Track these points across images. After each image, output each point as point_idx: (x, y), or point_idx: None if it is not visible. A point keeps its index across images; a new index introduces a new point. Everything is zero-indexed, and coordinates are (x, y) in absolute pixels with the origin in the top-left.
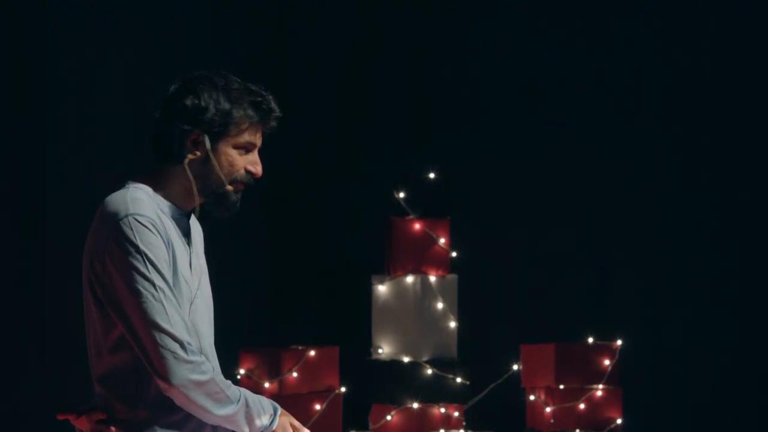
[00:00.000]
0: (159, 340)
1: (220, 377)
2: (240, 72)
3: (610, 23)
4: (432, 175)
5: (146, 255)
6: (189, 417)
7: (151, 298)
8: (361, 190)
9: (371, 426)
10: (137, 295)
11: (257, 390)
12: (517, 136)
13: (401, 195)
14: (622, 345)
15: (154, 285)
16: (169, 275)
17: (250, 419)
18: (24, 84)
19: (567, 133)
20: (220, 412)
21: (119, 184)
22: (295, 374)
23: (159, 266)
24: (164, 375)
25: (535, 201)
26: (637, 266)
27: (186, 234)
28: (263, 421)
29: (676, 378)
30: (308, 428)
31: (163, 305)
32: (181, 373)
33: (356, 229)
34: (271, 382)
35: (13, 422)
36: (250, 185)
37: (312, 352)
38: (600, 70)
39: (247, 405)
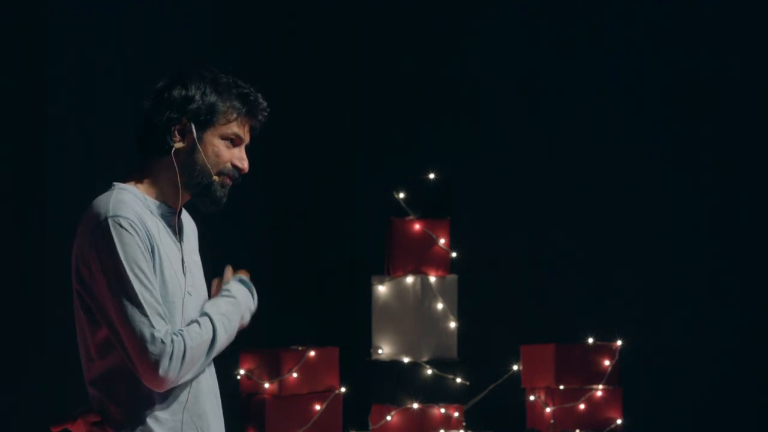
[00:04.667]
0: (138, 346)
1: (189, 334)
2: (240, 72)
3: (609, 23)
4: (432, 176)
5: (124, 257)
6: (183, 415)
7: (128, 301)
8: (361, 191)
9: (371, 426)
10: (117, 298)
11: (257, 391)
12: (517, 137)
13: (401, 195)
14: (622, 345)
15: (131, 287)
16: (149, 274)
17: (235, 324)
18: (24, 84)
19: (567, 133)
20: (218, 348)
21: (107, 186)
22: (295, 375)
23: (137, 267)
24: (151, 380)
25: (535, 201)
26: (636, 266)
27: (177, 231)
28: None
29: (676, 378)
30: (309, 429)
31: (141, 307)
32: (166, 372)
33: (356, 229)
34: (271, 383)
35: (13, 422)
36: (237, 181)
37: (312, 353)
38: (600, 69)
39: (225, 317)
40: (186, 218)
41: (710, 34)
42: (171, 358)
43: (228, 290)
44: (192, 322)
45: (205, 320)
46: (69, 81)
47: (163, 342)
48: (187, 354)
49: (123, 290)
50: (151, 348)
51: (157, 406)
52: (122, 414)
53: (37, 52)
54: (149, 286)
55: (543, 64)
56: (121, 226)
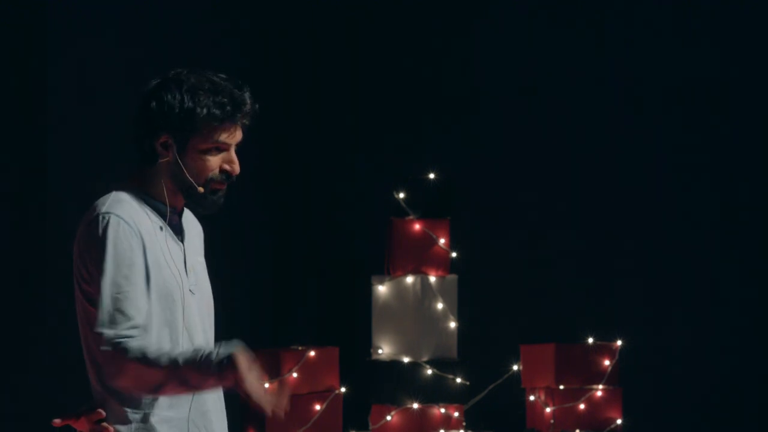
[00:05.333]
0: (99, 338)
1: (150, 348)
2: (240, 72)
3: (609, 23)
4: (432, 176)
5: (109, 254)
6: (187, 413)
7: (108, 295)
8: (361, 190)
9: (371, 426)
10: (101, 291)
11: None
12: (517, 137)
13: (401, 195)
14: (622, 345)
15: (107, 284)
16: (129, 274)
17: (188, 379)
18: (24, 84)
19: (566, 133)
20: (157, 386)
21: (107, 186)
22: (295, 375)
23: (121, 265)
24: (106, 375)
25: (535, 201)
26: (636, 266)
27: (178, 232)
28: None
29: (676, 378)
30: (309, 429)
31: (107, 304)
32: (111, 370)
33: (356, 229)
34: (271, 383)
35: (13, 422)
36: (231, 183)
37: (312, 353)
38: (599, 70)
39: (179, 367)
40: (191, 220)
41: (710, 34)
42: (111, 359)
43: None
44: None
45: (168, 357)
46: (69, 81)
47: (108, 342)
48: (141, 358)
49: (102, 285)
50: (101, 348)
51: (160, 405)
52: (125, 412)
53: (37, 52)
54: (125, 286)
55: (543, 64)
56: (110, 223)
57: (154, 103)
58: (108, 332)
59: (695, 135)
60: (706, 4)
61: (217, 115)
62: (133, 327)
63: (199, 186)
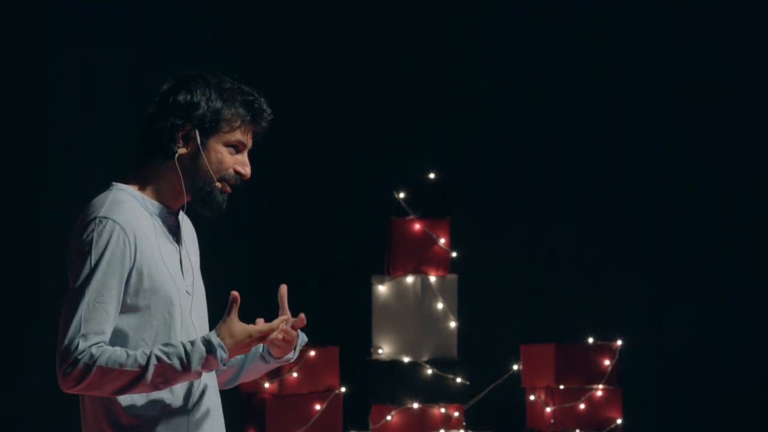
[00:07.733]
0: (59, 342)
1: (107, 356)
2: (240, 72)
3: (609, 23)
4: (432, 176)
5: (104, 258)
6: (188, 415)
7: (73, 300)
8: (361, 190)
9: (371, 426)
10: (70, 294)
11: (257, 390)
12: (516, 137)
13: (401, 195)
14: (622, 345)
15: (85, 289)
16: (108, 285)
17: (171, 373)
18: (24, 83)
19: (567, 133)
20: (133, 388)
21: (106, 185)
22: (295, 374)
23: (106, 273)
24: (59, 380)
25: (535, 201)
26: (637, 266)
27: (175, 233)
28: (195, 365)
29: (676, 378)
30: (309, 429)
31: (83, 310)
32: (64, 378)
33: (356, 229)
34: (271, 383)
35: (13, 422)
36: (238, 187)
37: (312, 352)
38: (600, 69)
39: (159, 362)
40: (187, 223)
41: (710, 34)
42: (73, 368)
43: (189, 346)
44: (133, 353)
45: (141, 355)
46: (69, 81)
47: (74, 350)
48: (94, 371)
49: (85, 289)
50: (63, 350)
51: (161, 406)
52: (126, 413)
53: (37, 52)
54: (106, 297)
55: (543, 64)
56: (107, 229)
57: (181, 95)
58: (75, 343)
59: (695, 135)
60: (706, 4)
61: (242, 114)
62: (101, 343)
63: (217, 181)
